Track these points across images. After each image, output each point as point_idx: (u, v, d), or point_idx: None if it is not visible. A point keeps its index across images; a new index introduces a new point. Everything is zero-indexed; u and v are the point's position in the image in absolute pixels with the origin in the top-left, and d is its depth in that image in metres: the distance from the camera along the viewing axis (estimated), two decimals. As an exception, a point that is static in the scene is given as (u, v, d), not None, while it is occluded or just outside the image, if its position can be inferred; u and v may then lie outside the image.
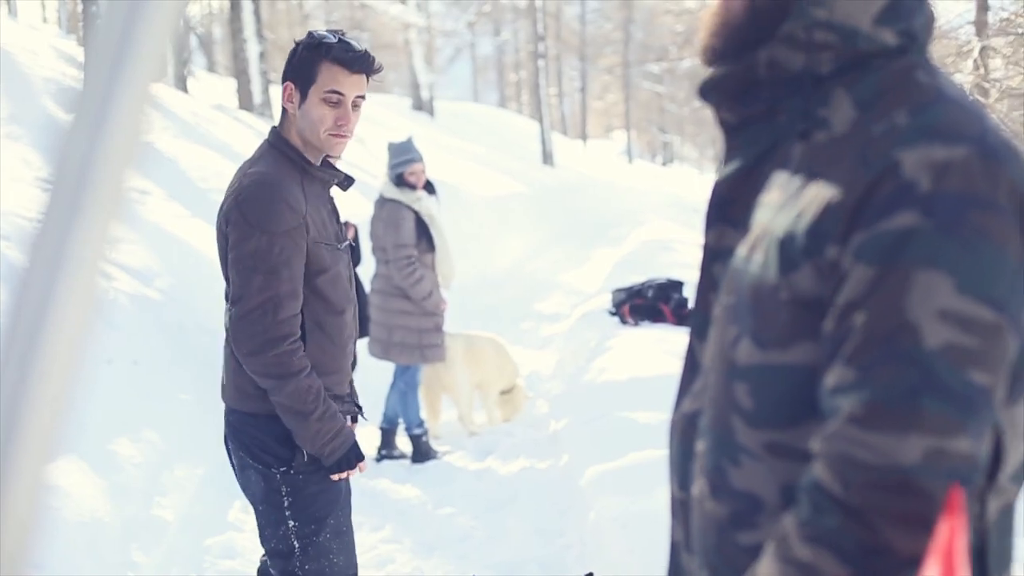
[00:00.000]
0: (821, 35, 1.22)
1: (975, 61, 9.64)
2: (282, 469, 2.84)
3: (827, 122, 1.21)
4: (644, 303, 8.22)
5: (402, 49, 28.96)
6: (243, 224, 2.68)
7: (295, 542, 2.86)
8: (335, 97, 2.76)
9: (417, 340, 6.09)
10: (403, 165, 6.03)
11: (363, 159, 14.70)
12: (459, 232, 12.66)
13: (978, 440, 1.06)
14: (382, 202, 6.09)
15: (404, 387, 6.22)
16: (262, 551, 3.05)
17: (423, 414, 6.62)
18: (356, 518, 3.20)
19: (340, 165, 3.07)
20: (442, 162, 17.06)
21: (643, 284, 8.50)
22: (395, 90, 36.22)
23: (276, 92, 16.69)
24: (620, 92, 46.05)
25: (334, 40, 2.78)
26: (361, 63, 2.78)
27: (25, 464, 0.60)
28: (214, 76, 25.74)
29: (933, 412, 1.04)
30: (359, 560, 3.13)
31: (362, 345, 6.04)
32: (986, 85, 9.55)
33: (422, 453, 6.19)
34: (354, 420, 3.06)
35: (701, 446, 1.32)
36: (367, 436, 6.21)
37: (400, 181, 6.03)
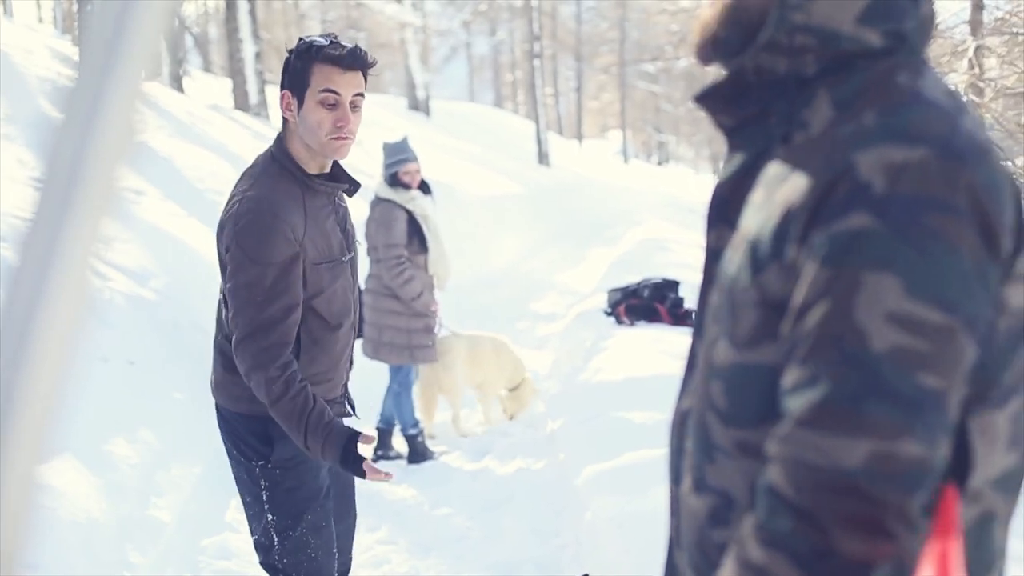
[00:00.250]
0: (801, 39, 1.22)
1: (970, 60, 9.65)
2: (260, 463, 2.92)
3: (807, 124, 1.21)
4: (640, 303, 8.23)
5: (398, 48, 28.94)
6: (239, 255, 2.70)
7: (274, 535, 2.94)
8: (331, 97, 2.74)
9: (406, 340, 6.07)
10: (397, 165, 6.03)
11: (359, 159, 14.69)
12: (454, 232, 12.66)
13: (929, 445, 1.05)
14: (376, 202, 6.09)
15: (398, 388, 6.22)
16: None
17: (417, 413, 6.62)
18: (352, 518, 3.21)
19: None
20: (438, 162, 17.05)
21: (639, 284, 8.50)
22: (391, 90, 36.22)
23: (272, 92, 16.71)
24: (616, 92, 46.06)
25: (324, 42, 2.77)
26: (352, 59, 2.75)
27: (17, 462, 0.60)
28: (210, 76, 25.71)
29: (878, 415, 1.04)
30: (355, 561, 3.17)
31: (358, 345, 6.04)
32: (981, 84, 9.56)
33: (418, 453, 6.19)
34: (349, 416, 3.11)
35: (689, 443, 1.34)
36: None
37: (394, 181, 6.03)
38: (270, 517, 2.92)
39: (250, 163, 2.94)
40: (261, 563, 3.01)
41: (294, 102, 2.78)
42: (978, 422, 1.14)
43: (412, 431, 6.19)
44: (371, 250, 6.10)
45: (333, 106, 2.75)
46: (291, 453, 2.89)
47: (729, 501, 1.25)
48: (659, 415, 5.18)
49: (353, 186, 2.96)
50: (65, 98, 0.61)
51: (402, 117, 23.80)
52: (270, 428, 2.86)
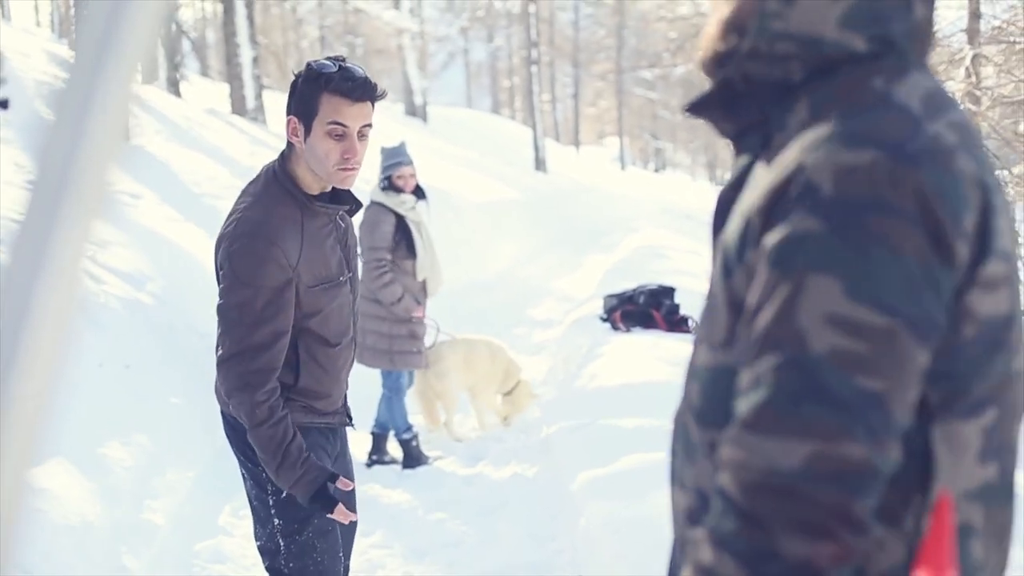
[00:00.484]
0: (781, 46, 1.22)
1: (967, 69, 9.66)
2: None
3: (786, 128, 1.22)
4: (636, 309, 8.23)
5: (395, 54, 28.98)
6: (231, 276, 2.71)
7: (280, 540, 2.93)
8: (339, 129, 2.71)
9: (387, 345, 6.05)
10: (392, 168, 6.04)
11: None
12: (451, 238, 12.66)
13: (871, 446, 1.04)
14: (368, 205, 6.09)
15: (388, 392, 6.21)
16: (251, 556, 3.08)
17: (421, 420, 6.63)
18: (346, 522, 3.21)
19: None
20: (435, 167, 17.06)
21: (635, 290, 8.51)
22: (388, 96, 36.19)
23: (269, 97, 16.72)
24: (613, 98, 46.09)
25: (334, 69, 2.73)
26: (362, 91, 2.73)
27: (7, 465, 0.60)
28: (207, 81, 25.70)
29: (817, 417, 1.04)
30: (350, 565, 3.17)
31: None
32: (978, 93, 9.58)
33: (413, 458, 6.18)
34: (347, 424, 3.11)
35: (678, 444, 1.35)
36: (358, 442, 6.20)
37: (389, 184, 6.03)
38: (276, 521, 2.92)
39: (253, 172, 2.93)
40: (267, 568, 3.00)
41: (301, 128, 2.75)
42: (943, 431, 1.13)
43: (406, 436, 6.18)
44: (359, 253, 6.10)
45: (340, 136, 2.72)
46: None
47: (704, 500, 1.26)
48: (654, 421, 5.18)
49: (356, 206, 2.96)
50: (56, 99, 0.61)
51: (399, 123, 23.83)
52: None
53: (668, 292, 8.35)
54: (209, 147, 11.94)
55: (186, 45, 25.64)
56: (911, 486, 1.12)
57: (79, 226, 0.60)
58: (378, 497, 5.52)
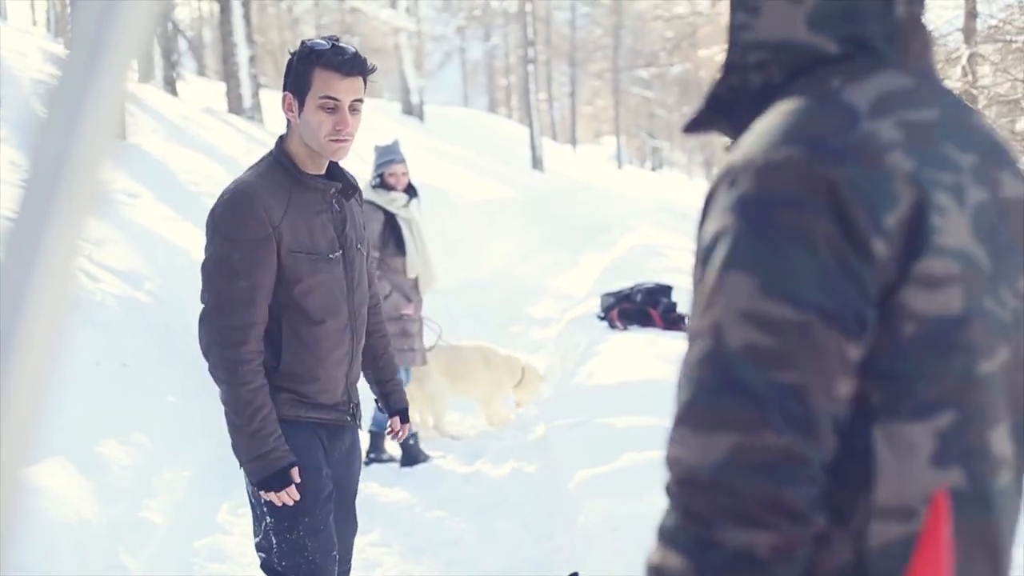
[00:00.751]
0: (754, 55, 1.23)
1: (963, 68, 9.68)
2: None
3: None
4: (633, 307, 8.23)
5: (392, 53, 28.93)
6: (211, 230, 2.83)
7: (272, 537, 2.95)
8: (331, 103, 2.81)
9: None
10: (384, 166, 6.06)
11: (353, 164, 14.70)
12: (446, 236, 12.66)
13: (795, 437, 1.04)
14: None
15: (384, 390, 6.20)
16: (249, 554, 3.09)
17: (419, 418, 6.64)
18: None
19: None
20: (431, 166, 17.06)
21: (632, 289, 8.51)
22: (385, 94, 36.18)
23: (265, 96, 16.70)
24: (610, 97, 46.10)
25: (326, 46, 2.84)
26: (352, 66, 2.83)
27: (2, 464, 0.60)
28: (204, 80, 25.69)
29: (733, 411, 1.06)
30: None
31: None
32: (974, 92, 9.59)
33: (411, 456, 6.18)
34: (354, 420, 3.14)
35: None
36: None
37: (380, 182, 6.05)
38: (268, 519, 2.94)
39: (248, 165, 3.02)
40: (262, 565, 3.02)
41: (295, 103, 2.86)
42: (884, 431, 1.11)
43: (404, 434, 6.18)
44: None
45: (332, 110, 2.82)
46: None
47: None
48: (652, 419, 5.18)
49: (349, 188, 3.00)
50: (49, 96, 0.61)
51: (396, 122, 23.80)
52: None
53: (665, 290, 8.35)
54: (206, 146, 11.93)
55: (183, 44, 25.61)
56: (856, 486, 1.11)
57: (72, 224, 0.60)
58: (376, 495, 5.52)
